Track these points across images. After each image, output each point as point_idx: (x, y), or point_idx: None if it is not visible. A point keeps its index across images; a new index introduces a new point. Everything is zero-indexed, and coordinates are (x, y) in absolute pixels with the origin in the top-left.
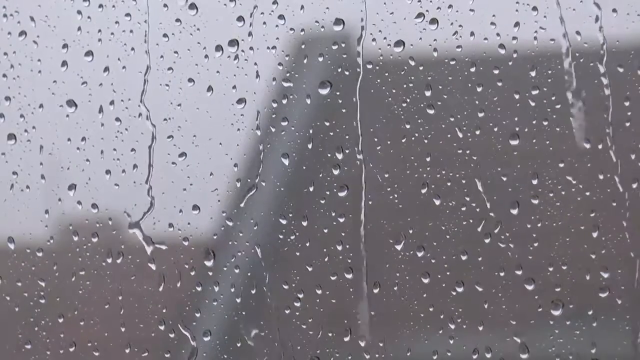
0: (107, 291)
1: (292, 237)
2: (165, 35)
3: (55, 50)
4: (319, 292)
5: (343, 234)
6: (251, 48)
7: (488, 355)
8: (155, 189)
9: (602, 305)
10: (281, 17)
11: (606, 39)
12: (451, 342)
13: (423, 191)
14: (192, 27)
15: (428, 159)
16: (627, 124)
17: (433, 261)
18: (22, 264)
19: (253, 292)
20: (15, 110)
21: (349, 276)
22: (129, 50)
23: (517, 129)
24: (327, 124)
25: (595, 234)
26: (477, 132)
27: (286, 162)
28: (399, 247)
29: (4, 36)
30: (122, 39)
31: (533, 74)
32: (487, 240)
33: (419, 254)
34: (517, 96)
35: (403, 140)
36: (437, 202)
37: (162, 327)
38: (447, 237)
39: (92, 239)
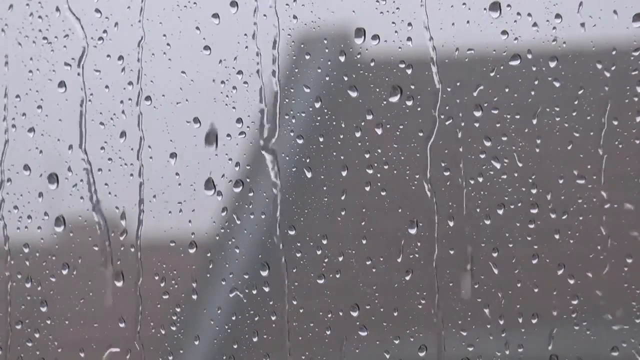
0: (106, 291)
1: (291, 236)
2: (164, 35)
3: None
4: (321, 291)
5: (344, 233)
6: (250, 46)
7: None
8: (155, 189)
9: (602, 306)
10: (281, 17)
11: (606, 39)
12: (450, 342)
13: (425, 191)
14: (192, 27)
15: (429, 159)
16: (627, 124)
17: (433, 260)
18: (22, 264)
19: (254, 292)
20: (16, 109)
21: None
22: (128, 50)
23: (517, 129)
24: (328, 123)
25: (598, 235)
26: (477, 133)
27: (286, 161)
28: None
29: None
30: (121, 39)
31: (532, 74)
32: (491, 240)
33: (422, 255)
34: (516, 96)
35: (401, 137)
36: (439, 204)
37: (161, 327)
38: (449, 235)
39: (91, 239)
